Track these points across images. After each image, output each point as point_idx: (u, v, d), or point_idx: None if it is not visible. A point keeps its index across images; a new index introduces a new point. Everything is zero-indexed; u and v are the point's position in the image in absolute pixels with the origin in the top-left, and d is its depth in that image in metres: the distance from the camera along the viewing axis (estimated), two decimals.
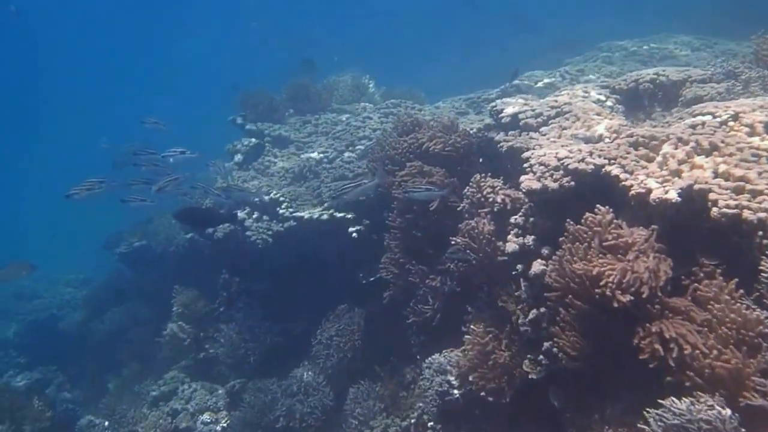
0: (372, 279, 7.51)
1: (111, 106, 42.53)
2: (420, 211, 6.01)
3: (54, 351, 13.58)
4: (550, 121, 5.45)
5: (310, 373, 7.89)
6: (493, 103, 6.38)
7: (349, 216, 7.82)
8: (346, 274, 8.13)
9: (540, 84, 9.25)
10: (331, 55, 22.95)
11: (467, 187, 5.47)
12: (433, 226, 6.05)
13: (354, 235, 7.69)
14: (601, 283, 3.75)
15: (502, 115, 5.87)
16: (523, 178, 4.65)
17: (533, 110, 5.70)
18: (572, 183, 4.39)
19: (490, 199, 5.21)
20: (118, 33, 44.62)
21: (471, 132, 6.62)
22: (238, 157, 9.64)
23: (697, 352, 3.46)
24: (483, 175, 5.45)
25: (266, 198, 8.21)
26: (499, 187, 5.26)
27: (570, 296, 3.99)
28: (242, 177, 8.90)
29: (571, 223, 4.12)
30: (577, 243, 4.01)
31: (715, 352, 3.41)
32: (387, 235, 6.46)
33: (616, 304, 3.68)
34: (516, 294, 4.96)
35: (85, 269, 18.40)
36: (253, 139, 9.90)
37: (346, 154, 8.75)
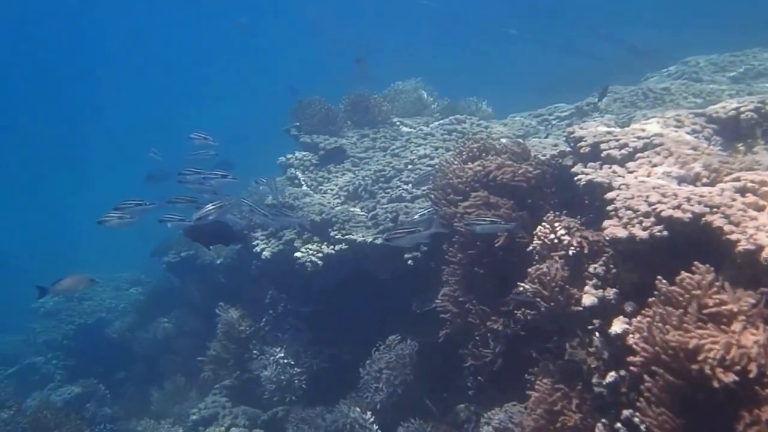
0: (426, 309, 7.11)
1: (165, 111, 43.42)
2: (484, 246, 5.53)
3: (100, 357, 13.62)
4: (637, 155, 4.89)
5: (357, 408, 7.48)
6: (570, 129, 5.85)
7: None
8: (399, 301, 7.74)
9: (619, 103, 8.64)
10: (391, 61, 22.64)
11: (539, 227, 4.96)
12: (497, 264, 5.56)
13: (410, 262, 7.27)
14: (700, 358, 3.23)
15: (581, 144, 5.34)
16: (606, 223, 4.13)
17: (617, 140, 5.15)
18: (665, 233, 3.85)
19: (565, 242, 4.69)
20: (170, 34, 45.46)
21: (543, 158, 6.11)
22: (291, 171, 9.29)
23: None
24: (557, 213, 4.94)
25: (318, 218, 7.85)
26: (575, 228, 4.74)
27: (660, 368, 3.47)
28: (294, 193, 8.54)
29: (664, 281, 3.59)
30: (671, 307, 3.48)
31: None
32: (446, 269, 6.00)
33: (716, 384, 3.17)
34: (591, 350, 4.44)
35: (136, 270, 18.45)
36: (309, 153, 9.56)
37: (405, 174, 8.31)
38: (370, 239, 7.55)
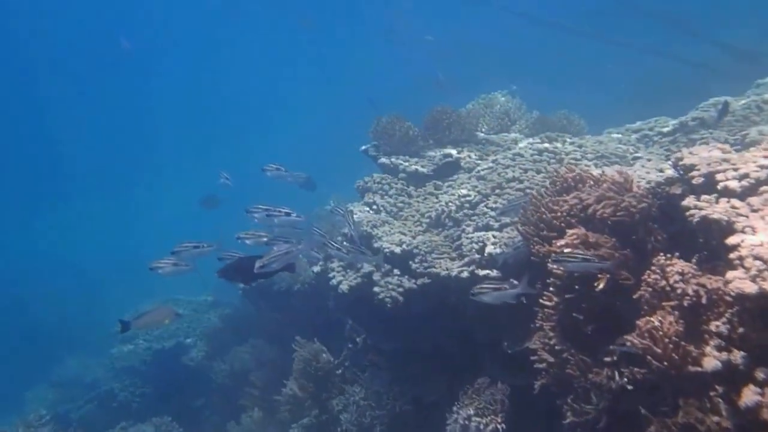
0: (518, 349, 6.76)
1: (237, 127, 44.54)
2: (583, 290, 5.14)
3: (177, 385, 13.83)
4: (761, 188, 4.43)
5: None
6: (679, 154, 5.41)
7: (494, 274, 7.07)
8: (487, 339, 7.41)
9: (729, 116, 8.03)
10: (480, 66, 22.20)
11: (648, 272, 4.54)
12: (599, 308, 5.16)
13: None
14: None
15: (693, 174, 4.90)
16: (731, 275, 3.71)
17: (736, 169, 4.70)
18: None
19: (679, 290, 4.27)
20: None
21: (648, 186, 5.69)
22: (369, 196, 9.07)
23: None
24: (667, 256, 4.51)
25: (398, 249, 7.60)
26: (690, 274, 4.31)
27: None
28: (372, 221, 8.31)
29: None
30: None
31: None
32: (540, 314, 5.64)
33: None
34: (715, 419, 4.00)
35: (215, 290, 18.65)
36: (387, 176, 9.31)
37: (492, 199, 7.96)
38: (455, 273, 7.24)
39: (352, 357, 9.03)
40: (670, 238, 5.28)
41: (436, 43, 25.56)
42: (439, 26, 27.87)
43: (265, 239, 6.31)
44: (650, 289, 4.47)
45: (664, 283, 4.38)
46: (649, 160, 7.66)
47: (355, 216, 8.35)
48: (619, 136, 9.08)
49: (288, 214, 6.35)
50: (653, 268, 4.51)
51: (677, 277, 4.33)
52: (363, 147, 10.36)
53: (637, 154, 8.33)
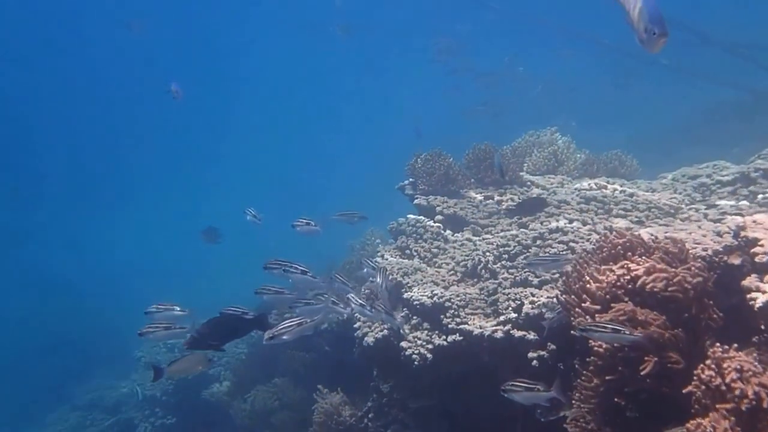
0: (551, 418, 6.39)
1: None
2: (627, 372, 4.74)
3: (198, 418, 13.70)
4: None
5: None
6: (741, 222, 5.02)
7: (530, 337, 6.70)
8: (521, 404, 7.03)
9: None
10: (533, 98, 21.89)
11: (702, 367, 4.11)
12: (644, 393, 4.76)
13: (534, 362, 6.57)
14: None
15: (757, 251, 4.49)
16: None
17: None
18: None
19: (737, 391, 3.84)
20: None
21: (704, 254, 5.29)
22: (403, 240, 8.75)
23: None
24: (725, 348, 4.08)
25: (429, 301, 7.27)
26: (751, 372, 3.88)
27: None
28: (403, 268, 7.99)
29: None
30: None
31: None
32: (577, 393, 5.25)
33: None
34: None
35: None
36: (423, 218, 8.98)
37: (533, 250, 7.58)
38: (488, 332, 6.86)
39: (376, 410, 8.68)
40: (726, 313, 4.88)
41: (481, 72, 25.30)
42: (494, 55, 27.55)
43: (284, 295, 6.10)
44: (703, 387, 4.04)
45: (719, 381, 3.95)
46: (705, 215, 7.25)
47: (386, 261, 8.07)
48: (674, 182, 8.64)
49: (304, 273, 6.13)
50: (708, 362, 4.08)
51: (735, 375, 3.89)
52: (399, 184, 10.10)
53: (692, 206, 7.89)
